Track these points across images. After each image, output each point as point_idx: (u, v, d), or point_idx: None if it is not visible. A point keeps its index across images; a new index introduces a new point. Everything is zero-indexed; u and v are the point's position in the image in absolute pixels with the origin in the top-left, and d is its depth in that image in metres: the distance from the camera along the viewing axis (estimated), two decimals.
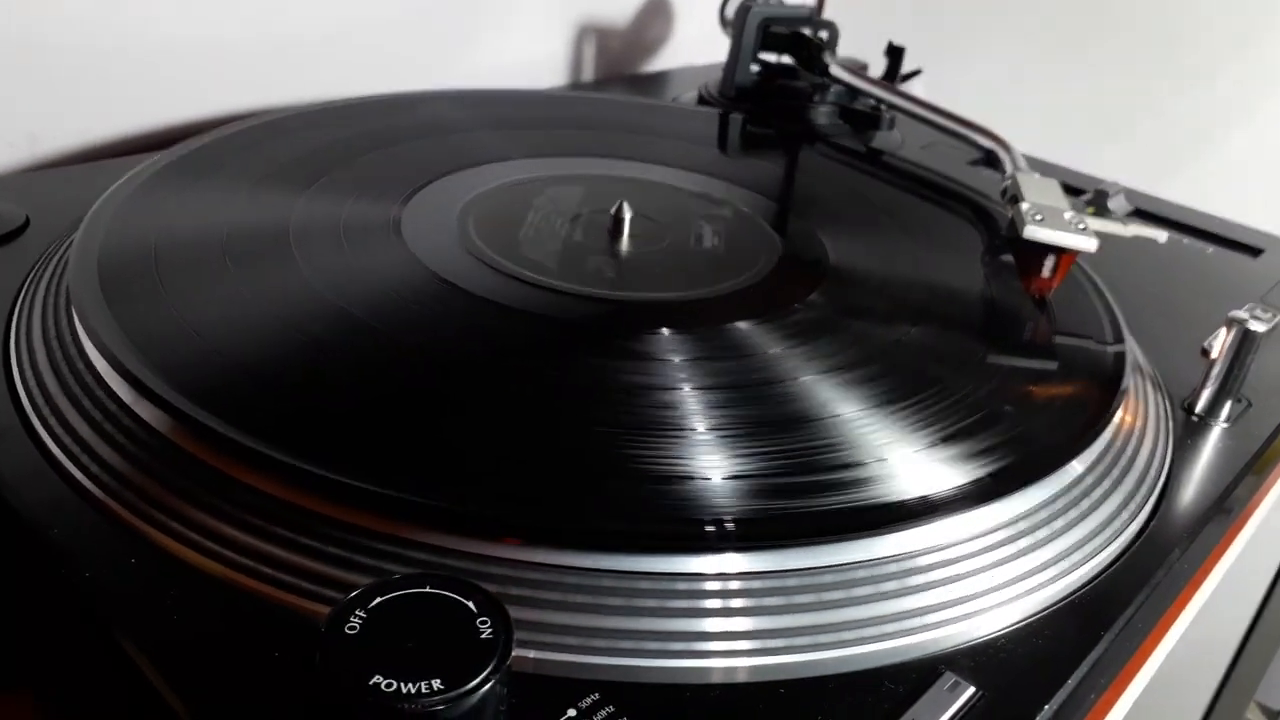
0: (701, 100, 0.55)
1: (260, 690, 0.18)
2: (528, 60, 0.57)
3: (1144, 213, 0.48)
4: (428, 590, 0.18)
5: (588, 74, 0.61)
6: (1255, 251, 0.45)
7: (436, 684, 0.16)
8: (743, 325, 0.30)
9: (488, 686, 0.16)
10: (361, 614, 0.17)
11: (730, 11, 0.54)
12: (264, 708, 0.18)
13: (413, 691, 0.16)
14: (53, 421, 0.24)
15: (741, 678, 0.20)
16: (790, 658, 0.20)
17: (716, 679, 0.20)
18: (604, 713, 0.19)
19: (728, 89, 0.54)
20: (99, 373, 0.25)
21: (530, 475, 0.23)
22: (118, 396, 0.24)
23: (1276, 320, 0.38)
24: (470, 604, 0.18)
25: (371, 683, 0.16)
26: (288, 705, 0.18)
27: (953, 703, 0.20)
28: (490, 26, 0.55)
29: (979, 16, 0.72)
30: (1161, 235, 0.38)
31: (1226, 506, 0.29)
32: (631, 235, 0.35)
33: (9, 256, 0.31)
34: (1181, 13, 0.63)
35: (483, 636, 0.17)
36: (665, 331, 0.29)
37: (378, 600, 0.18)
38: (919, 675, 0.21)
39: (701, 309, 0.31)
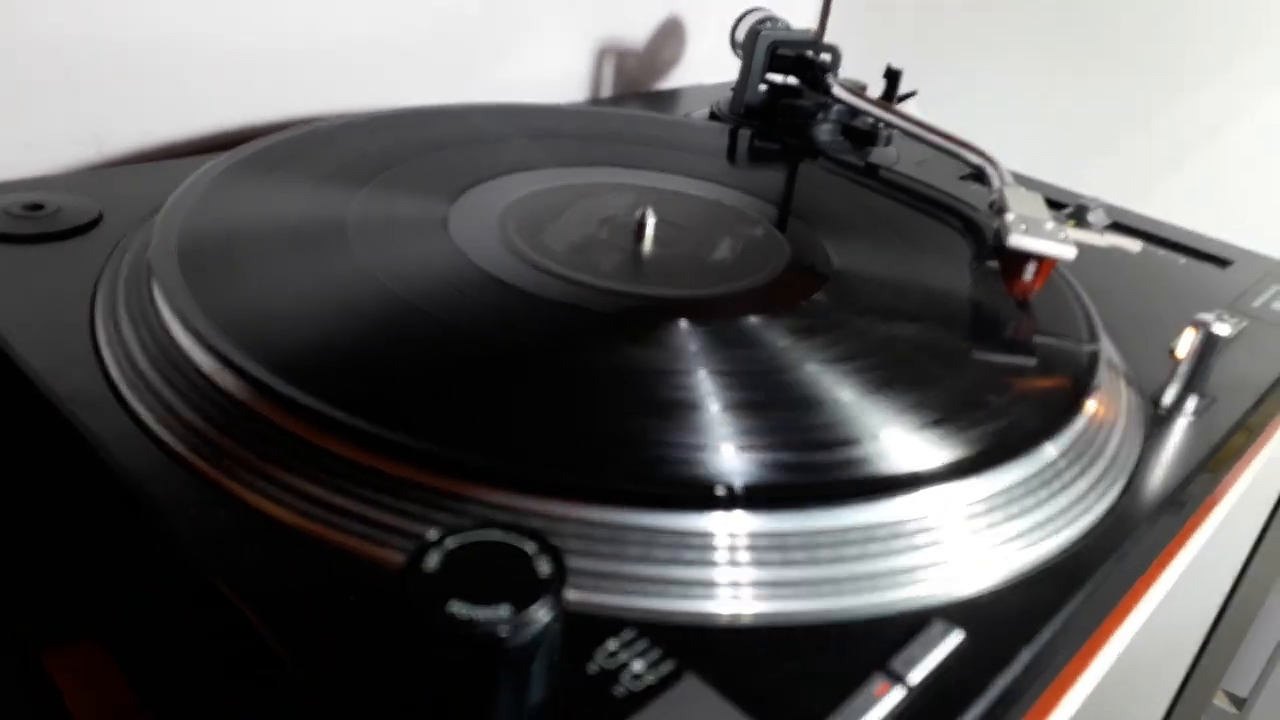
0: (713, 116, 0.58)
1: (349, 630, 0.20)
2: (550, 76, 0.60)
3: (1121, 226, 0.50)
4: (493, 534, 0.21)
5: (606, 90, 0.64)
6: (1224, 263, 0.48)
7: (505, 612, 0.19)
8: (754, 319, 0.33)
9: (549, 614, 0.19)
10: (437, 553, 0.20)
11: (741, 35, 0.57)
12: (355, 645, 0.20)
13: (485, 618, 0.19)
14: (142, 390, 0.27)
15: (757, 621, 0.22)
16: (802, 604, 0.23)
17: (738, 620, 0.22)
18: (639, 646, 0.21)
19: (737, 107, 0.57)
20: (182, 346, 0.27)
21: (574, 443, 0.25)
22: (200, 368, 0.27)
23: (1241, 326, 0.41)
24: (529, 546, 0.21)
25: (449, 610, 0.19)
26: (373, 643, 0.20)
27: (942, 646, 0.22)
28: (517, 45, 0.58)
29: (972, 44, 0.76)
30: (1136, 246, 0.41)
31: (1191, 490, 0.31)
32: (654, 238, 0.38)
33: (87, 245, 0.34)
34: (1158, 42, 0.67)
35: (542, 573, 0.20)
36: (683, 324, 0.32)
37: (451, 542, 0.20)
38: (912, 622, 0.23)
39: (717, 305, 0.33)
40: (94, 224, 0.35)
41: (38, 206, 0.35)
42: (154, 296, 0.29)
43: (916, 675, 0.21)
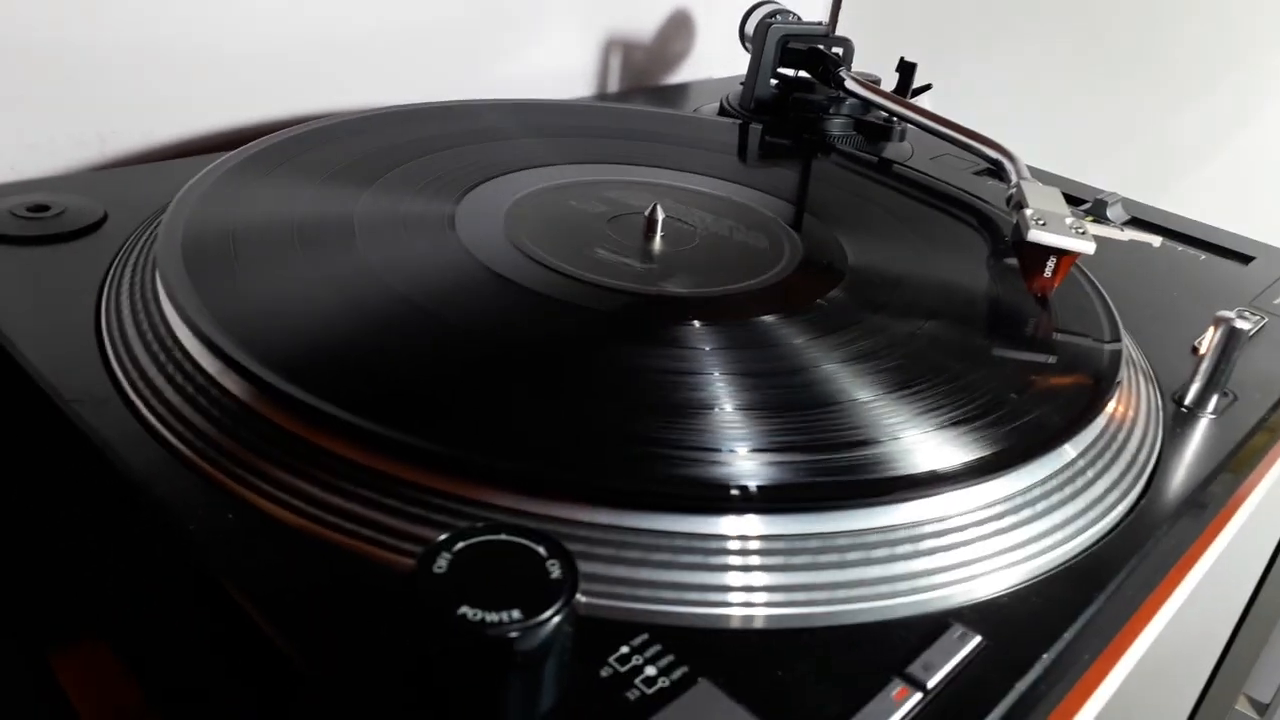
0: (722, 111, 0.58)
1: (357, 631, 0.20)
2: (557, 71, 0.60)
3: (1141, 221, 0.50)
4: (503, 537, 0.20)
5: (613, 85, 0.64)
6: (1246, 259, 0.47)
7: (516, 614, 0.18)
8: (769, 318, 0.32)
9: (560, 617, 0.19)
10: (447, 556, 0.20)
11: (751, 28, 0.57)
12: (363, 646, 0.20)
13: (495, 621, 0.18)
14: (146, 392, 0.27)
15: (774, 624, 0.22)
16: (817, 609, 0.22)
17: (752, 624, 0.22)
18: (652, 650, 0.21)
19: (748, 101, 0.56)
20: (186, 347, 0.27)
21: (584, 445, 0.25)
22: (205, 369, 0.27)
23: (1263, 322, 0.41)
24: (540, 549, 0.20)
25: (459, 613, 0.19)
26: (381, 644, 0.20)
27: (960, 650, 0.22)
28: (524, 40, 0.58)
29: (988, 35, 0.75)
30: (1156, 240, 0.40)
31: (1212, 490, 0.31)
32: (664, 235, 0.37)
33: (92, 246, 0.33)
34: (1174, 40, 0.66)
35: (553, 576, 0.20)
36: (696, 324, 0.31)
37: (461, 545, 0.20)
38: (930, 626, 0.22)
39: (730, 304, 0.33)
40: (98, 225, 0.35)
41: (42, 208, 0.35)
42: (159, 297, 0.29)
43: (934, 679, 0.21)
